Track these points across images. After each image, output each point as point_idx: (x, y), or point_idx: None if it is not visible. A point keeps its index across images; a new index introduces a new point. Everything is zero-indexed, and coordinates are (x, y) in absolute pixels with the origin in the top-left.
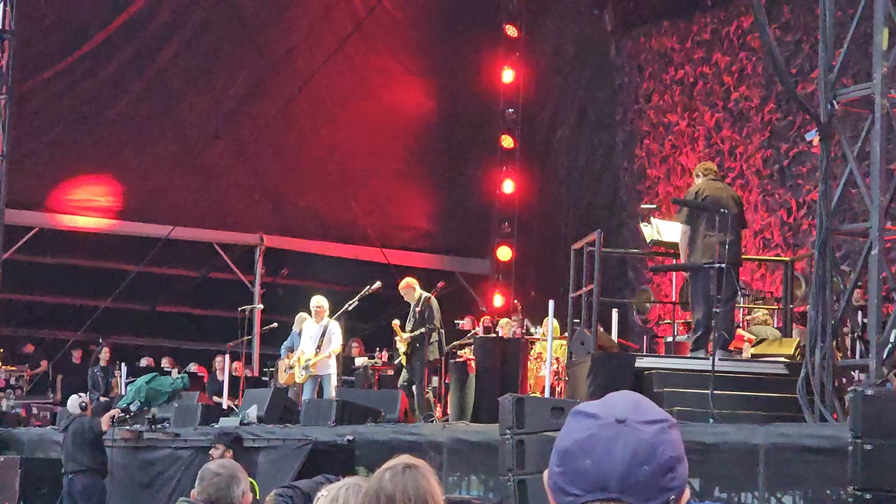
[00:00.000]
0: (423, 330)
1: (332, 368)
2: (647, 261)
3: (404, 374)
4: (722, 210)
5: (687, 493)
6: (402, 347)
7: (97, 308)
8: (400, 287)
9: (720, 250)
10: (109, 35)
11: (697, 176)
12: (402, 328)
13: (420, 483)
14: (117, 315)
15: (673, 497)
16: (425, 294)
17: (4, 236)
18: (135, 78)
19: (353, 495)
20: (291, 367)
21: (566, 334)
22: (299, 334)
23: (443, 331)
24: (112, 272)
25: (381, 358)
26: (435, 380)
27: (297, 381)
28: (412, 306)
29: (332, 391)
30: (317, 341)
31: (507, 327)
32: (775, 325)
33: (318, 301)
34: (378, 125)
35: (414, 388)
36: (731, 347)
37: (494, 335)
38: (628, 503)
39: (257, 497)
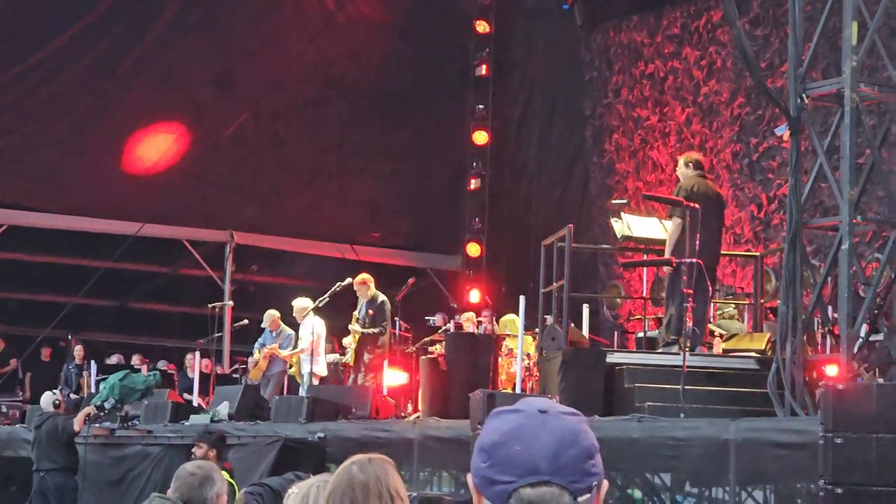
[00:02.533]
0: (375, 330)
1: (307, 367)
2: (618, 256)
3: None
4: (695, 207)
5: (606, 483)
6: (351, 343)
7: (66, 305)
8: (355, 283)
9: (692, 247)
10: (84, 27)
11: (687, 166)
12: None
13: (389, 472)
14: (87, 312)
15: (595, 483)
16: (381, 296)
17: None
18: (104, 76)
19: (324, 492)
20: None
21: (536, 330)
22: (272, 332)
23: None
24: (81, 269)
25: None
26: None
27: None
28: (364, 303)
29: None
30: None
31: (467, 322)
32: (746, 321)
33: (295, 302)
34: (348, 122)
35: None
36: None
37: (466, 332)
38: (558, 485)
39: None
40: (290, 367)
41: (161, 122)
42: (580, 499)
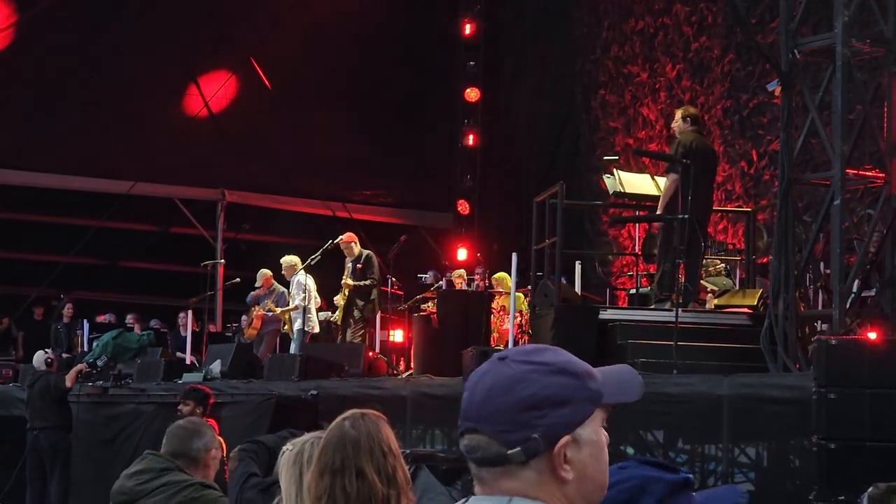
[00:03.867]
0: (367, 282)
1: (298, 325)
2: (621, 212)
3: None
4: (685, 161)
5: (567, 440)
6: (340, 301)
7: (58, 264)
8: (341, 242)
9: (685, 203)
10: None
11: (685, 120)
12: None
13: (381, 429)
14: (78, 271)
15: (536, 436)
16: (366, 251)
17: None
18: (95, 37)
19: (317, 448)
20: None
21: (529, 287)
22: (266, 290)
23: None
24: (73, 228)
25: None
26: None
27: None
28: (351, 262)
29: (296, 347)
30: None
31: (458, 279)
32: (737, 277)
33: (284, 259)
34: (338, 79)
35: None
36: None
37: (458, 289)
38: (485, 432)
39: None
40: (284, 325)
41: (154, 81)
42: (510, 451)
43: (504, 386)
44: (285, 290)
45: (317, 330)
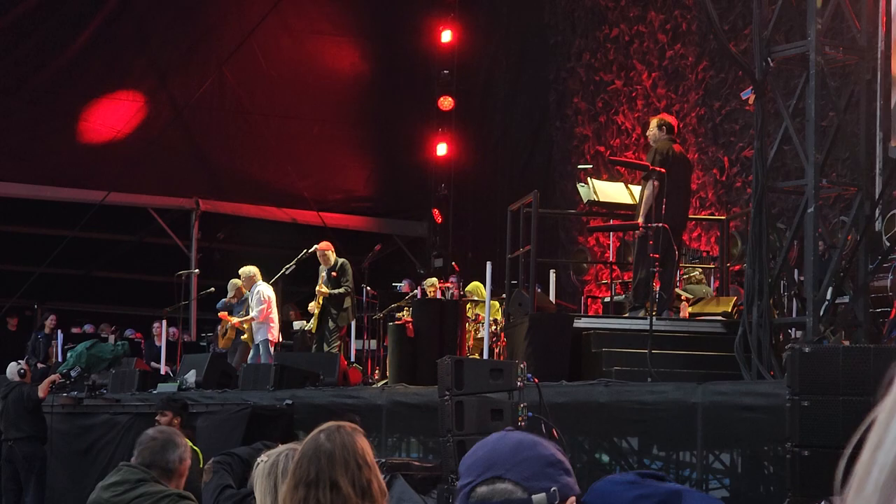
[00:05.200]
0: (341, 290)
1: (263, 335)
2: (590, 221)
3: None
4: (661, 170)
5: (573, 500)
6: (314, 310)
7: (32, 274)
8: (317, 250)
9: (659, 212)
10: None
11: (660, 129)
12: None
13: (357, 440)
14: (52, 281)
15: (555, 489)
16: (341, 259)
17: None
18: (68, 43)
19: (293, 461)
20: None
21: (503, 295)
22: (236, 302)
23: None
24: (47, 238)
25: None
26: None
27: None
28: (326, 270)
29: (265, 357)
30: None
31: (432, 287)
32: (712, 285)
33: (242, 270)
34: (313, 88)
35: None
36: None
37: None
38: (511, 480)
39: (201, 464)
40: (243, 334)
41: (124, 90)
42: (535, 497)
43: (530, 444)
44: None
45: (278, 339)
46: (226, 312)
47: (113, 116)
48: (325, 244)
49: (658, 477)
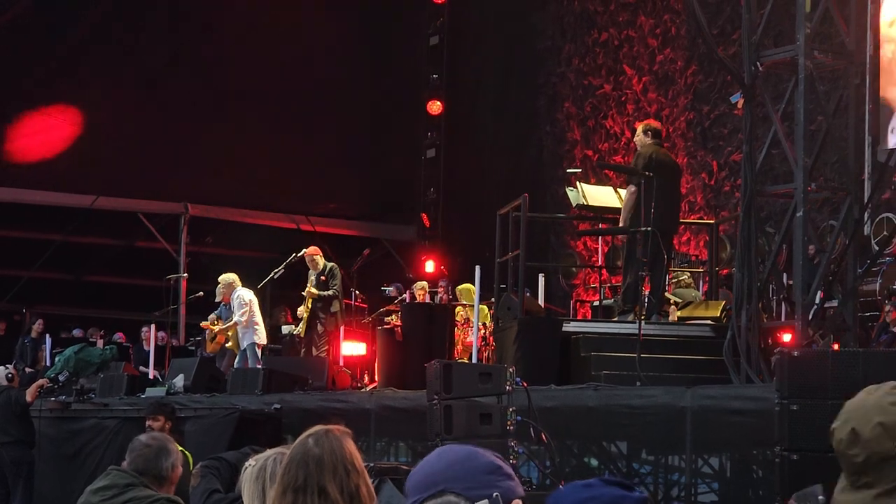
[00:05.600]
0: (329, 292)
1: (249, 339)
2: (579, 225)
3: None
4: (647, 174)
5: (518, 503)
6: (303, 313)
7: (21, 278)
8: (306, 254)
9: (648, 216)
10: (25, 8)
11: (646, 134)
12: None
13: (345, 445)
14: (41, 285)
15: (496, 494)
16: (330, 263)
17: None
18: (57, 47)
19: (280, 465)
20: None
21: (493, 299)
22: (225, 305)
23: (343, 302)
24: (36, 242)
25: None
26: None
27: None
28: (315, 275)
29: (252, 361)
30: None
31: (421, 291)
32: (701, 288)
33: (221, 278)
34: (302, 93)
35: None
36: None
37: (422, 302)
38: (454, 492)
39: (191, 468)
40: (227, 341)
41: (114, 93)
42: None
43: (467, 455)
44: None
45: (264, 342)
46: (208, 322)
47: (102, 120)
48: (313, 249)
49: (625, 486)
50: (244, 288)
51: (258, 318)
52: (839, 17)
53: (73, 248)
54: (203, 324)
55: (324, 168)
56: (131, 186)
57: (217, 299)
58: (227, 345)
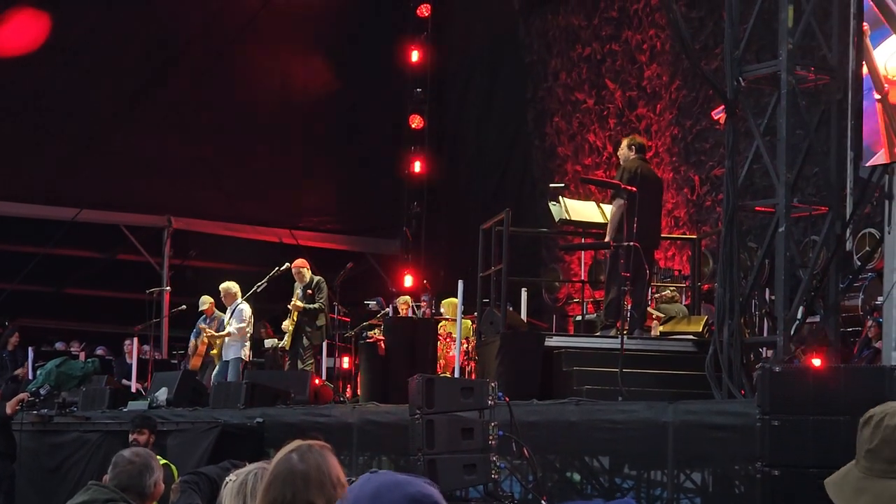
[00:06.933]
0: (315, 305)
1: (235, 352)
2: (559, 240)
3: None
4: (630, 189)
5: None
6: (289, 326)
7: (2, 291)
8: (293, 267)
9: (630, 230)
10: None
11: (630, 148)
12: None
13: (328, 459)
14: (23, 298)
15: None
16: (317, 277)
17: None
18: (40, 60)
19: (262, 480)
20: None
21: (475, 314)
22: (208, 317)
23: (328, 316)
24: (17, 255)
25: None
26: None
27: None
28: (301, 288)
29: (232, 375)
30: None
31: (404, 305)
32: (684, 303)
33: (224, 286)
34: (286, 105)
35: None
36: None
37: (404, 316)
38: None
39: (175, 480)
40: (212, 349)
41: (97, 106)
42: None
43: (392, 484)
44: (224, 316)
45: (247, 358)
46: (204, 326)
47: (84, 133)
48: (300, 261)
49: None
50: (245, 303)
51: (248, 336)
52: (821, 32)
53: (55, 260)
54: (201, 325)
55: (307, 182)
56: (114, 200)
57: (201, 308)
58: (212, 352)
